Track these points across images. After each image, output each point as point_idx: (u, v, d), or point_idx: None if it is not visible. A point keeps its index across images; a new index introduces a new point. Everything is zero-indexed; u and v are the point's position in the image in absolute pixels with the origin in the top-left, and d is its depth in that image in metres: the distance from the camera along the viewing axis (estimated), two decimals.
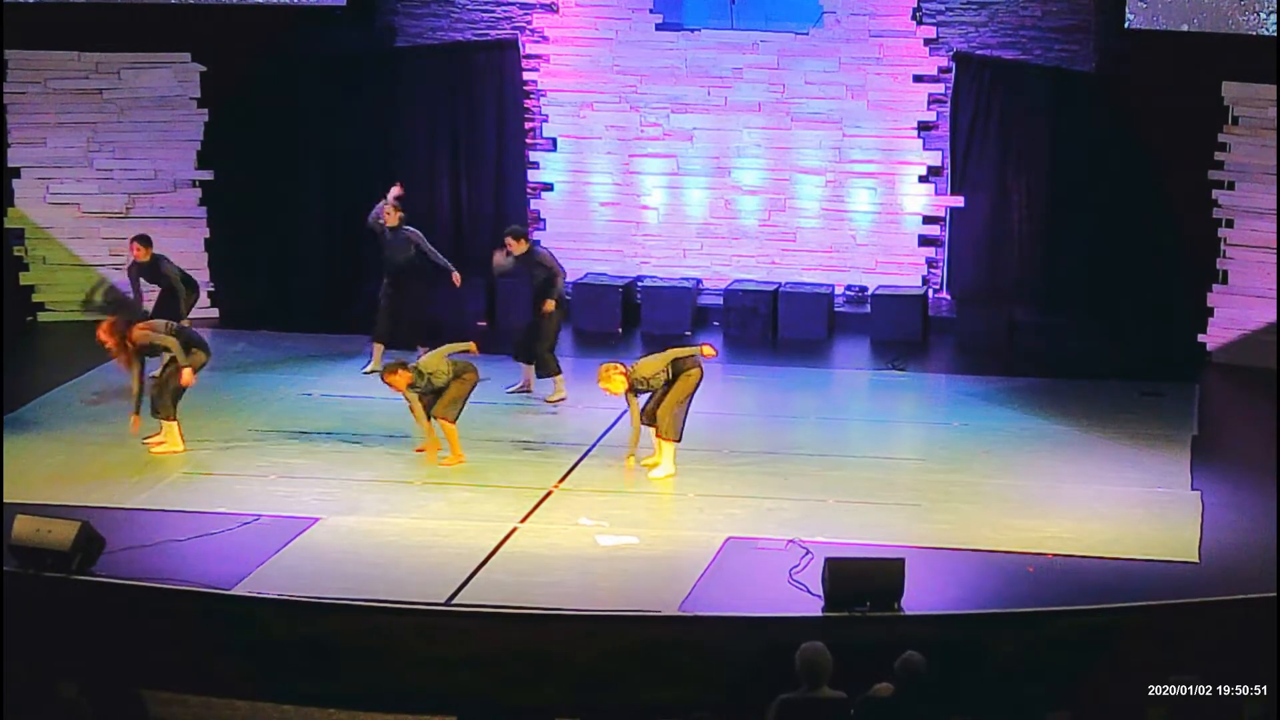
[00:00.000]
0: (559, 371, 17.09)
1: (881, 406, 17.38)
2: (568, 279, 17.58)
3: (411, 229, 17.77)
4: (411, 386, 15.14)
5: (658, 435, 15.04)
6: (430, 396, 15.26)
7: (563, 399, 16.96)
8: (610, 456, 15.44)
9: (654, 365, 15.06)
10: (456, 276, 17.72)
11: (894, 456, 15.59)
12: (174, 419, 15.44)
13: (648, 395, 15.11)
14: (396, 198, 17.83)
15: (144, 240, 17.60)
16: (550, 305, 17.03)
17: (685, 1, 20.46)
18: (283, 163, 20.14)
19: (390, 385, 15.22)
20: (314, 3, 19.94)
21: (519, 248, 17.17)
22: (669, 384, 14.99)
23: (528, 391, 17.17)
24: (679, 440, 15.03)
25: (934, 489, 14.80)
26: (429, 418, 15.25)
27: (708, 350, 15.31)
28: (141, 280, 17.59)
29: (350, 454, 15.52)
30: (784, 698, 10.14)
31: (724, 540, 13.65)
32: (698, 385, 15.03)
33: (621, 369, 14.97)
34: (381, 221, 17.74)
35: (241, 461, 15.31)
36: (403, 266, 17.70)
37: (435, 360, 15.34)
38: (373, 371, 17.42)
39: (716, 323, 19.80)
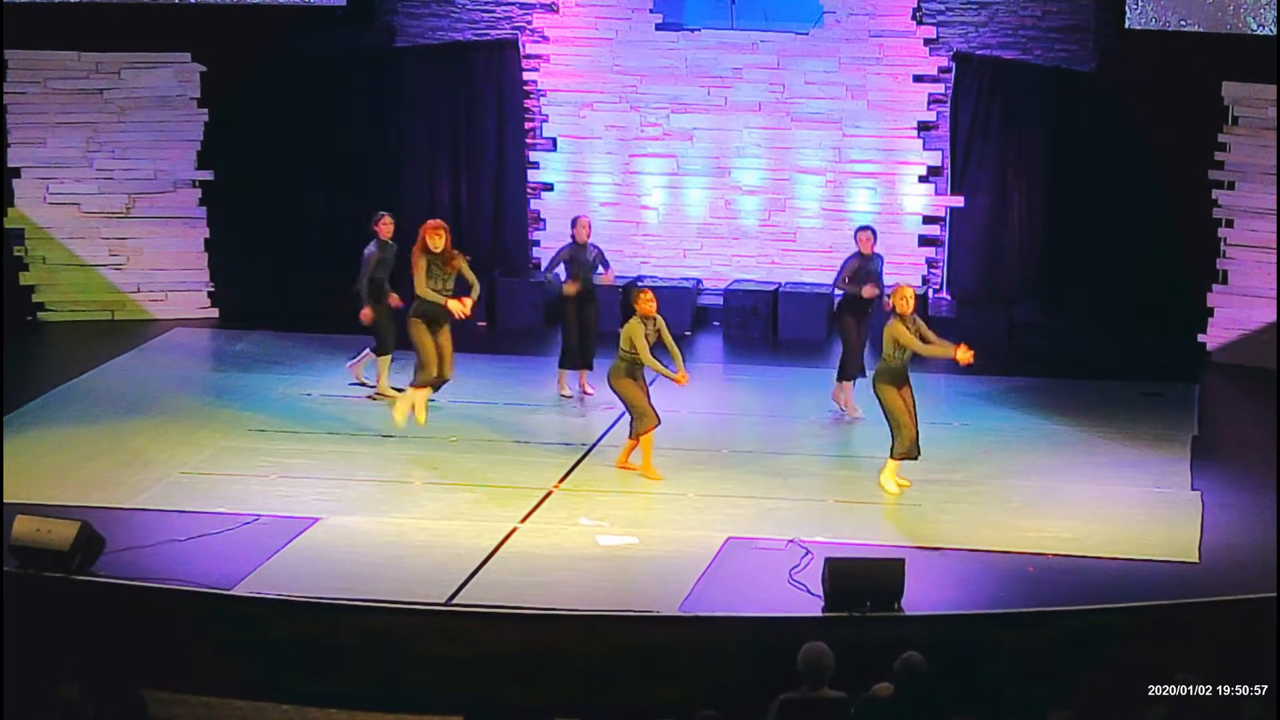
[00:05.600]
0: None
1: None
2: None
3: None
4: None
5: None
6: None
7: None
8: (610, 456, 15.43)
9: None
10: None
11: None
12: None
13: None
14: None
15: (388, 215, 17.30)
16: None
17: (685, 1, 20.46)
18: (283, 163, 20.14)
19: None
20: (314, 3, 19.94)
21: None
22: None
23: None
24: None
25: (934, 489, 14.79)
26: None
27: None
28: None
29: (350, 454, 15.51)
30: (785, 697, 10.13)
31: (724, 540, 13.65)
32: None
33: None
34: None
35: (241, 461, 15.30)
36: None
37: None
38: None
39: (717, 323, 19.80)
